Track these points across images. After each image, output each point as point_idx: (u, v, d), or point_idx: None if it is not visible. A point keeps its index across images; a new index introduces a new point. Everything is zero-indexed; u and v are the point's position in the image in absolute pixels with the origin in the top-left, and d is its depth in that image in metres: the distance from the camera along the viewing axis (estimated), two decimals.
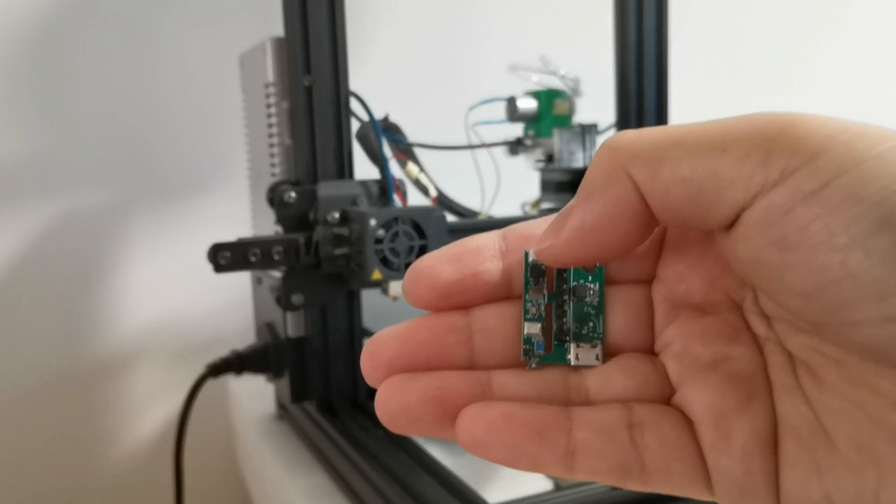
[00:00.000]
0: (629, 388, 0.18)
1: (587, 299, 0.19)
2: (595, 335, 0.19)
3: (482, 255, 0.19)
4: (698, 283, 0.19)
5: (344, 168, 0.57)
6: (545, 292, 0.19)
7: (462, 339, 0.19)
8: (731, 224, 0.16)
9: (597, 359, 0.19)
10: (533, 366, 0.19)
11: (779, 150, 0.15)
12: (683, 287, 0.19)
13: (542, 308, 0.19)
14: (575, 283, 0.19)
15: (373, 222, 0.52)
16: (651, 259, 0.20)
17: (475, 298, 0.19)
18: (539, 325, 0.19)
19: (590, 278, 0.20)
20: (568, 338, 0.19)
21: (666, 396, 0.19)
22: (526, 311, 0.19)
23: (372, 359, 0.18)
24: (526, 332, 0.19)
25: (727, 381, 0.18)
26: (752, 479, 0.17)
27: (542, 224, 0.20)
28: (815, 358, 0.17)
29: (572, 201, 0.18)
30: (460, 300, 0.19)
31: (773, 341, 0.18)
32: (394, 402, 0.18)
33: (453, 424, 0.18)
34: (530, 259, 0.19)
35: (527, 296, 0.19)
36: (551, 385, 0.19)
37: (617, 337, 0.19)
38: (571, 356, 0.19)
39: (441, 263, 0.19)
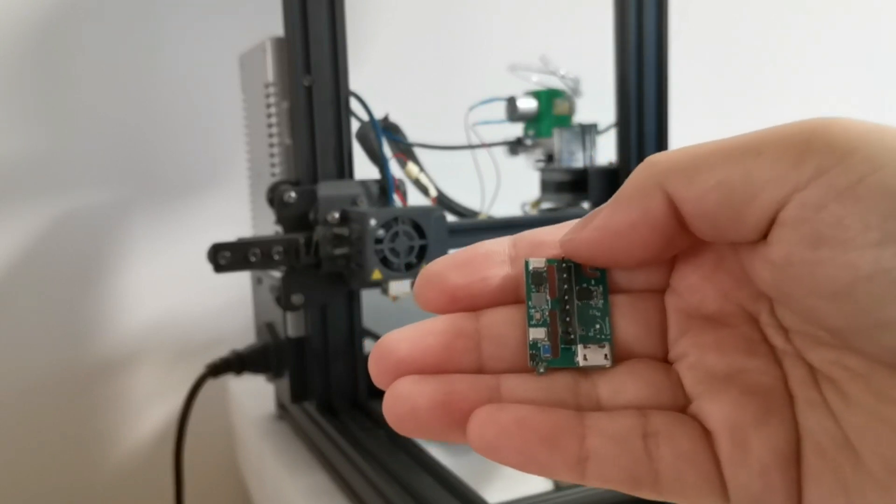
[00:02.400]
0: (641, 394, 0.18)
1: (592, 302, 0.19)
2: (602, 336, 0.19)
3: (491, 261, 0.20)
4: (712, 295, 0.19)
5: (344, 168, 0.57)
6: (548, 298, 0.19)
7: (470, 343, 0.19)
8: (766, 230, 0.16)
9: (605, 358, 0.19)
10: (541, 370, 0.19)
11: (812, 150, 0.15)
12: (697, 298, 0.19)
13: (547, 314, 0.19)
14: (578, 287, 0.19)
15: (373, 222, 0.52)
16: (663, 269, 0.20)
17: (484, 303, 0.19)
18: (544, 330, 0.19)
19: (592, 282, 0.20)
20: (574, 339, 0.19)
21: (680, 405, 0.18)
22: (530, 318, 0.19)
23: (380, 361, 0.18)
24: (531, 337, 0.19)
25: (745, 394, 0.17)
26: (771, 494, 0.17)
27: (553, 231, 0.20)
28: (839, 372, 0.17)
29: (604, 204, 0.19)
30: (468, 305, 0.19)
31: (792, 354, 0.18)
32: (402, 406, 0.18)
33: (461, 429, 0.18)
34: (531, 267, 0.19)
35: (530, 302, 0.19)
36: (561, 391, 0.19)
37: (628, 345, 0.19)
38: (579, 357, 0.19)
39: (450, 268, 0.19)
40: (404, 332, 0.19)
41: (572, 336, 0.19)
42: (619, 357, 0.19)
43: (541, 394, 0.18)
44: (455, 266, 0.19)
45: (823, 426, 0.17)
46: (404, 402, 0.18)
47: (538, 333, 0.19)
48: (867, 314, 0.15)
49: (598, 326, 0.19)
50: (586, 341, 0.19)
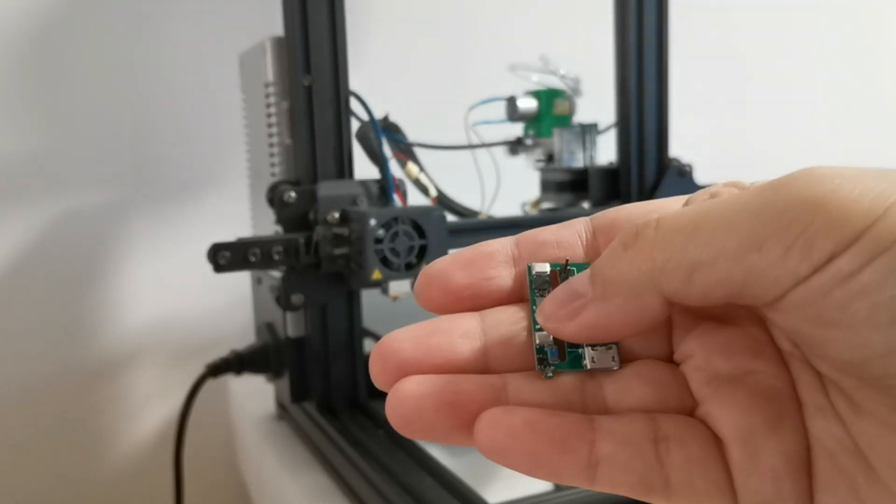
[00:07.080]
0: (648, 397, 0.18)
1: None
2: None
3: (494, 261, 0.19)
4: None
5: (344, 168, 0.57)
6: None
7: (475, 343, 0.18)
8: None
9: (613, 360, 0.19)
10: (549, 374, 0.18)
11: (819, 239, 0.15)
12: None
13: None
14: None
15: (373, 222, 0.52)
16: None
17: (486, 303, 0.19)
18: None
19: None
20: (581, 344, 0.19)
21: (687, 407, 0.18)
22: (535, 322, 0.19)
23: (383, 362, 0.18)
24: (538, 341, 0.19)
25: (754, 398, 0.17)
26: (783, 501, 0.16)
27: (555, 231, 0.20)
28: (849, 381, 0.16)
29: (585, 282, 0.18)
30: (471, 304, 0.19)
31: (799, 358, 0.17)
32: (406, 406, 0.17)
33: (466, 430, 0.17)
34: (534, 272, 0.19)
35: (534, 307, 0.19)
36: (568, 392, 0.18)
37: (631, 345, 0.19)
38: (587, 360, 0.19)
39: (453, 267, 0.19)
40: (407, 333, 0.18)
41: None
42: (622, 358, 0.19)
43: (548, 395, 0.18)
44: (458, 265, 0.19)
45: (833, 434, 0.16)
46: (410, 402, 0.17)
47: (544, 338, 0.19)
48: (882, 381, 0.15)
49: None
50: (593, 344, 0.19)
